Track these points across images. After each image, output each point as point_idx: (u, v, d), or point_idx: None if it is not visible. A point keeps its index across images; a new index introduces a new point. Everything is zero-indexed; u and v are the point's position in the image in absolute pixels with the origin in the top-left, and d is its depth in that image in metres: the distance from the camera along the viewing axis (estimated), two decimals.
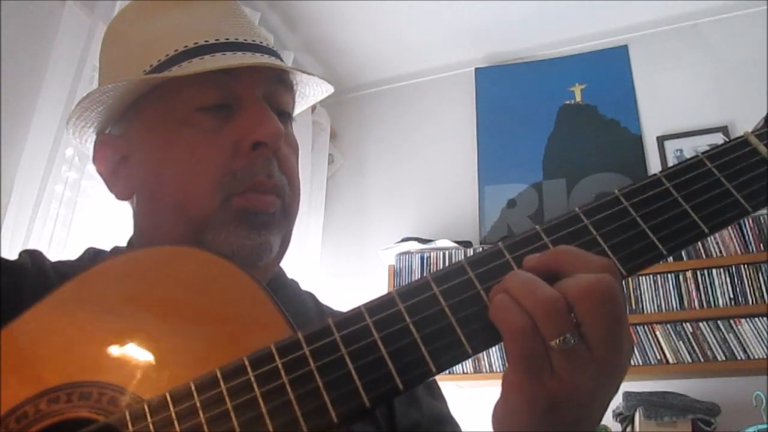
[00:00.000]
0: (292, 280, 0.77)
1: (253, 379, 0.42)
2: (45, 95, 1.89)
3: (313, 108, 2.82)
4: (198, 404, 0.42)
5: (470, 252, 2.70)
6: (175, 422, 0.42)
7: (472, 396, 2.48)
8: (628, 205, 0.45)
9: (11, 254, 0.67)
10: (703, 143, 2.69)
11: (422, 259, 2.75)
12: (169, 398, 0.43)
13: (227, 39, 0.66)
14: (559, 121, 3.01)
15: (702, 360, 2.25)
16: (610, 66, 3.03)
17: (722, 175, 0.45)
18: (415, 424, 0.68)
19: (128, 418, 0.43)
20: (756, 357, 2.20)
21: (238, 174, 0.63)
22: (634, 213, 0.45)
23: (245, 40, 0.67)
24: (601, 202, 0.46)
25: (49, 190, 1.82)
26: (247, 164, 0.63)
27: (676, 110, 2.82)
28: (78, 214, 1.96)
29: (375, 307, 0.44)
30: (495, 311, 0.42)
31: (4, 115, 1.76)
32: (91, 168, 2.01)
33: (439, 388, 0.76)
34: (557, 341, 0.40)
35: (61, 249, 1.85)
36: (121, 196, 0.70)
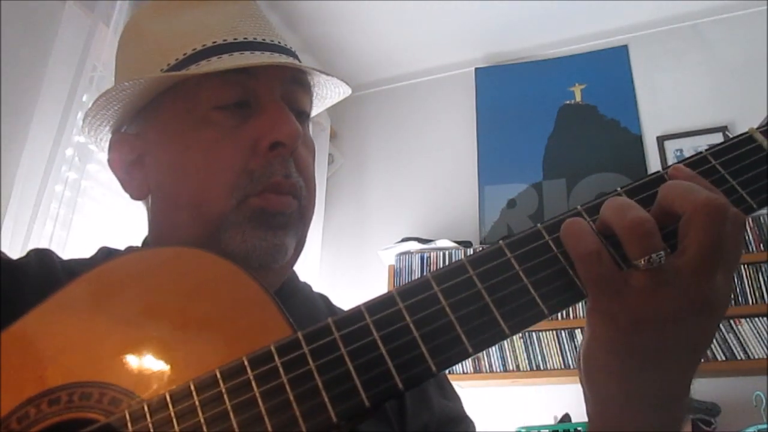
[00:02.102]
0: (305, 282, 0.77)
1: (252, 378, 0.42)
2: (45, 95, 1.89)
3: (319, 111, 2.84)
4: (197, 404, 0.42)
5: (470, 252, 2.69)
6: (174, 422, 0.42)
7: (472, 396, 2.48)
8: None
9: (11, 254, 0.66)
10: (703, 143, 2.69)
11: (422, 259, 2.75)
12: (168, 398, 0.43)
13: (246, 38, 0.65)
14: (559, 121, 3.01)
15: (702, 360, 2.24)
16: (610, 66, 3.03)
17: (726, 172, 0.45)
18: (425, 425, 0.67)
19: (128, 418, 0.43)
20: (756, 357, 2.20)
21: (256, 174, 0.62)
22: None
23: (264, 39, 0.66)
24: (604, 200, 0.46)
25: (49, 190, 1.82)
26: (264, 164, 0.62)
27: (676, 110, 2.82)
28: (78, 214, 1.96)
29: (374, 305, 0.44)
30: (564, 235, 0.43)
31: (4, 115, 1.76)
32: (91, 168, 2.01)
33: (451, 388, 0.76)
34: (643, 261, 0.41)
35: (61, 249, 1.85)
36: (136, 196, 0.69)
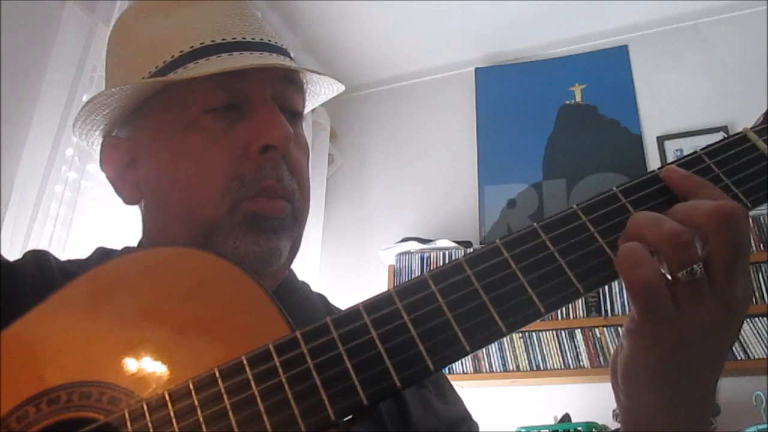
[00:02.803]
0: (303, 282, 0.76)
1: (251, 377, 0.42)
2: (45, 95, 1.89)
3: (313, 108, 2.84)
4: (196, 403, 0.42)
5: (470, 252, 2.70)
6: (173, 421, 0.42)
7: (472, 396, 2.48)
8: (627, 203, 0.45)
9: (11, 254, 0.67)
10: (703, 143, 2.64)
11: (422, 259, 2.75)
12: (167, 397, 0.43)
13: (235, 38, 0.64)
14: (559, 121, 3.01)
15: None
16: (610, 66, 3.03)
17: (721, 171, 0.45)
18: (433, 429, 0.67)
19: (127, 417, 0.43)
20: (756, 357, 2.20)
21: (247, 178, 0.62)
22: (632, 209, 0.45)
23: (253, 38, 0.66)
24: (599, 198, 0.46)
25: (49, 190, 1.83)
26: (256, 168, 0.62)
27: (676, 110, 2.82)
28: (78, 214, 1.97)
29: (372, 304, 0.44)
30: (622, 263, 0.42)
31: (4, 115, 1.76)
32: (91, 168, 2.02)
33: (453, 392, 0.76)
34: (684, 273, 0.41)
35: (61, 249, 1.85)
36: (129, 200, 0.69)
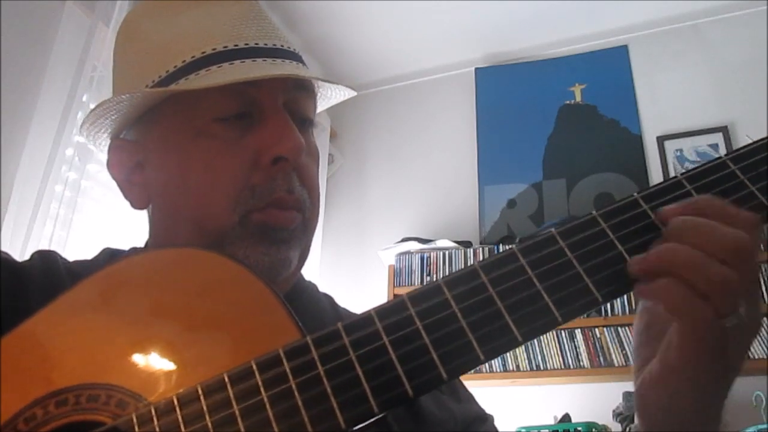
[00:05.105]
0: (310, 282, 0.76)
1: (260, 382, 0.42)
2: (45, 95, 1.89)
3: (320, 111, 2.85)
4: (205, 408, 0.42)
5: (470, 252, 2.70)
6: (182, 426, 0.42)
7: None
8: (648, 208, 0.44)
9: (11, 254, 0.66)
10: (703, 143, 2.69)
11: (422, 259, 2.75)
12: (176, 401, 0.43)
13: (247, 44, 0.63)
14: (559, 121, 3.01)
15: None
16: (610, 66, 3.03)
17: (746, 177, 0.44)
18: (451, 430, 0.67)
19: (135, 421, 0.43)
20: (756, 357, 2.21)
21: (258, 189, 0.61)
22: (652, 215, 0.44)
23: (266, 44, 0.64)
24: (619, 204, 0.45)
25: (49, 190, 1.82)
26: (267, 179, 0.61)
27: (676, 110, 2.82)
28: (78, 214, 1.96)
29: (385, 310, 0.43)
30: (674, 305, 0.41)
31: (4, 115, 1.75)
32: (91, 168, 2.01)
33: (464, 389, 0.75)
34: (729, 317, 0.40)
35: (61, 249, 1.85)
36: (136, 204, 0.68)
